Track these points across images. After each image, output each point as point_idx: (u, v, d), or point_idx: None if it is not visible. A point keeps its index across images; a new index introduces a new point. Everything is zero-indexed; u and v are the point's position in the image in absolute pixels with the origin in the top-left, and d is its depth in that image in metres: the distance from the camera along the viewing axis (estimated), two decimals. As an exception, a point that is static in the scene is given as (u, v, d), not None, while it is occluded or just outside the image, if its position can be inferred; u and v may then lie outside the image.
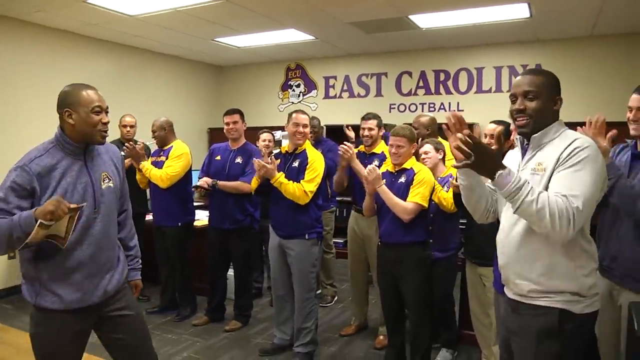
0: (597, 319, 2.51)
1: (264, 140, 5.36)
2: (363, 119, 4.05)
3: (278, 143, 6.87)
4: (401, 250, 3.19)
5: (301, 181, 3.49)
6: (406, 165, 3.29)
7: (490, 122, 3.28)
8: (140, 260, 2.53)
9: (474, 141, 1.73)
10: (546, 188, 1.77)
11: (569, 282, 1.81)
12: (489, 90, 6.46)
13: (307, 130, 3.62)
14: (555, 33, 5.80)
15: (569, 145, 1.78)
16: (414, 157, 3.39)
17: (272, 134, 5.65)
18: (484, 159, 1.73)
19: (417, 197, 3.12)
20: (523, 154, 1.96)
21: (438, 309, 3.57)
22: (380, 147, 4.02)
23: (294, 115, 3.61)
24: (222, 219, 4.19)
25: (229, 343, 4.08)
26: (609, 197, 2.32)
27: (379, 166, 3.44)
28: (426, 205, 3.17)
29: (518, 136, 2.01)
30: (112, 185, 2.25)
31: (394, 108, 7.00)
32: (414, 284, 3.20)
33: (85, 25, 5.49)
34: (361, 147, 4.11)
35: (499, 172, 1.71)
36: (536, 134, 1.89)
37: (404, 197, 3.16)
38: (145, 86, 6.82)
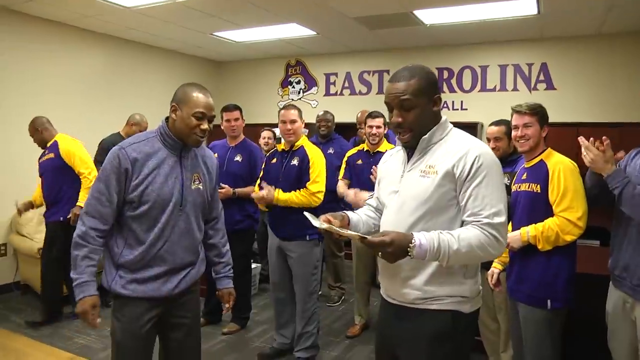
0: (610, 335, 2.47)
1: (264, 138, 5.31)
2: (369, 116, 4.01)
3: (278, 140, 6.77)
4: None
5: (307, 184, 3.41)
6: None
7: (490, 125, 3.22)
8: (232, 268, 2.55)
9: (367, 244, 1.61)
10: (435, 190, 1.72)
11: (457, 288, 1.77)
12: (494, 89, 6.38)
13: (297, 125, 3.51)
14: (562, 31, 5.72)
15: (465, 156, 1.71)
16: None
17: (273, 131, 5.58)
18: (387, 252, 1.60)
19: None
20: (409, 156, 1.86)
21: None
22: (385, 146, 3.99)
23: (281, 112, 3.55)
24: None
25: (227, 346, 3.98)
26: (619, 206, 2.30)
27: None
28: None
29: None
30: (201, 187, 2.30)
31: (396, 106, 6.90)
32: None
33: (79, 17, 5.38)
34: (364, 146, 4.09)
35: (411, 251, 1.60)
36: (424, 137, 1.78)
37: None
38: (140, 80, 6.71)
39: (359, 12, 5.14)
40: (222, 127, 4.19)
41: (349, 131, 5.93)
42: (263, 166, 3.83)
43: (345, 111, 6.78)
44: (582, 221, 2.45)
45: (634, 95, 2.54)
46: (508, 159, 3.13)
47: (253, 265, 4.82)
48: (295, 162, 3.49)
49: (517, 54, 6.21)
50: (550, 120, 2.70)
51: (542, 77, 6.08)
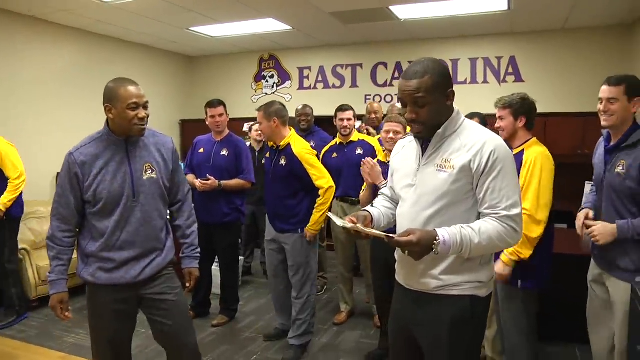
0: (589, 304, 2.72)
1: (257, 131, 5.31)
2: (340, 110, 4.31)
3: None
4: None
5: (316, 183, 3.54)
6: None
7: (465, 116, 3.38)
8: (197, 249, 2.68)
9: (393, 244, 1.70)
10: (453, 184, 1.78)
11: (475, 275, 1.86)
12: (464, 82, 6.62)
13: (261, 127, 3.65)
14: (530, 26, 6.00)
15: (481, 150, 1.76)
16: None
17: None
18: (413, 250, 1.69)
19: None
20: (424, 149, 1.90)
21: None
22: (356, 136, 4.32)
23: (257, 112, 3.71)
24: (208, 213, 4.17)
25: (218, 338, 4.09)
26: None
27: (364, 153, 3.86)
28: None
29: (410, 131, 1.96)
30: (155, 176, 2.43)
31: (370, 99, 7.07)
32: None
33: (52, 11, 5.34)
34: (337, 139, 4.38)
35: (435, 248, 1.68)
36: (439, 131, 1.84)
37: None
38: (112, 76, 6.55)
39: (335, 7, 5.27)
40: (207, 123, 4.27)
41: (323, 124, 6.04)
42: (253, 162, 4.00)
43: (320, 105, 6.88)
44: (541, 214, 2.63)
45: (597, 87, 2.80)
46: None
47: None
48: (283, 162, 3.58)
49: (487, 48, 6.47)
50: (519, 110, 2.92)
51: (510, 70, 6.37)
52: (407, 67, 1.84)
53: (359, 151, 4.18)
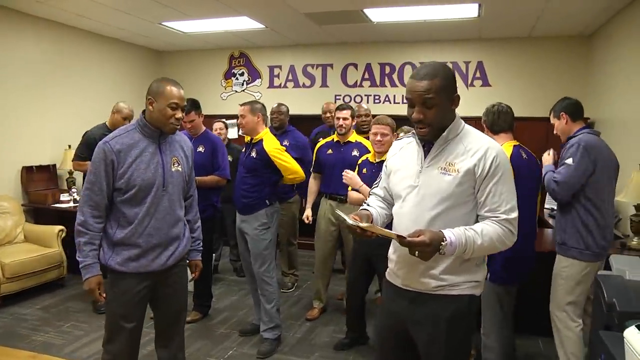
0: None
1: (216, 130, 5.46)
2: (338, 109, 4.41)
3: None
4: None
5: (288, 177, 3.85)
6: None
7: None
8: (201, 243, 2.92)
9: (405, 244, 1.77)
10: (457, 187, 1.88)
11: (472, 275, 1.97)
12: (433, 85, 6.84)
13: (244, 120, 3.83)
14: (498, 32, 6.30)
15: (484, 156, 1.87)
16: None
17: (225, 123, 5.76)
18: (425, 250, 1.75)
19: None
20: (426, 151, 1.98)
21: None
22: (354, 137, 4.40)
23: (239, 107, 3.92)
24: (182, 209, 4.24)
25: (192, 335, 4.18)
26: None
27: (360, 155, 3.97)
28: None
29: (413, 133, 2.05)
30: (180, 169, 2.66)
31: (339, 99, 7.25)
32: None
33: (30, 3, 5.29)
34: (334, 136, 4.45)
35: (442, 249, 1.77)
36: (443, 134, 1.92)
37: None
38: (84, 70, 6.64)
39: (310, 8, 5.42)
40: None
41: (293, 123, 6.14)
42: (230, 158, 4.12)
43: (290, 104, 6.99)
44: None
45: (560, 93, 3.10)
46: None
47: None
48: (254, 154, 3.81)
49: (456, 53, 6.74)
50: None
51: (478, 75, 6.66)
52: (417, 68, 1.91)
53: (355, 153, 4.28)
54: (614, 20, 5.28)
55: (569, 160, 3.06)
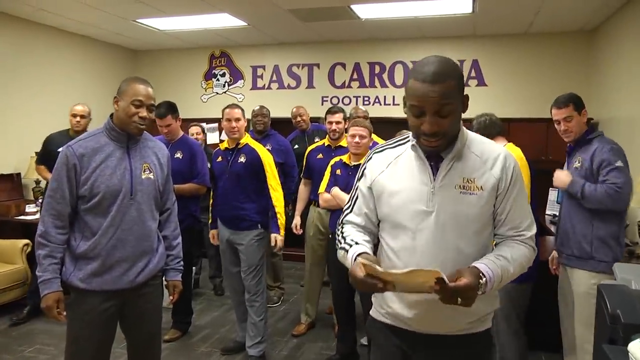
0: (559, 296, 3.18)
1: (192, 135, 5.42)
2: (329, 112, 4.37)
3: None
4: None
5: (271, 189, 3.82)
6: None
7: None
8: (182, 262, 2.76)
9: (444, 292, 1.48)
10: (483, 208, 1.69)
11: (494, 301, 1.82)
12: (425, 85, 6.87)
13: (241, 123, 3.83)
14: (494, 29, 6.31)
15: (504, 166, 1.70)
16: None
17: (201, 126, 5.74)
18: (467, 296, 1.51)
19: None
20: (434, 167, 1.72)
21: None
22: (346, 141, 4.30)
23: (226, 110, 3.86)
24: (160, 219, 4.20)
25: (171, 354, 4.08)
26: (585, 204, 2.98)
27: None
28: None
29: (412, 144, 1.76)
30: (152, 177, 2.55)
31: (327, 100, 7.24)
32: None
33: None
34: (325, 141, 4.43)
35: (482, 288, 1.55)
36: (456, 145, 1.70)
37: None
38: (52, 68, 6.54)
39: (294, 5, 5.39)
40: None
41: (279, 126, 6.16)
42: (209, 166, 4.06)
43: (274, 106, 6.98)
44: None
45: (559, 92, 3.12)
46: None
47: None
48: (242, 159, 3.79)
49: (449, 50, 6.71)
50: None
51: (473, 74, 6.67)
52: (420, 67, 1.63)
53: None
54: (618, 15, 5.27)
55: (619, 163, 2.92)
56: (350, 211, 1.92)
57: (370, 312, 1.93)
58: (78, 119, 4.83)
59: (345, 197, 3.52)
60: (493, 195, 1.69)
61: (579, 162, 3.06)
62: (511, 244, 1.72)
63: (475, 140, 1.76)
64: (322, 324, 4.64)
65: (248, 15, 5.89)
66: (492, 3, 5.17)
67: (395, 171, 1.79)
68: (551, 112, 3.16)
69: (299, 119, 5.52)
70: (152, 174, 2.54)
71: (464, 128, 1.74)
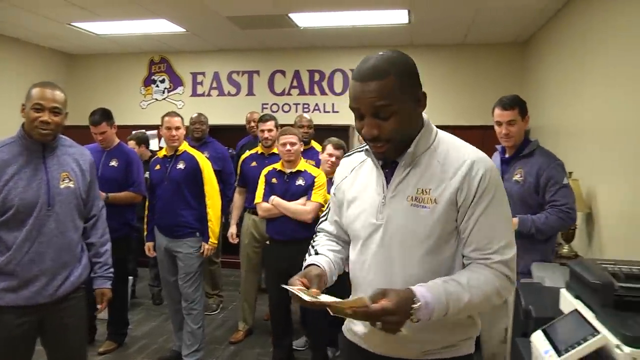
0: None
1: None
2: (260, 120, 4.50)
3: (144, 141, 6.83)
4: (296, 246, 3.41)
5: (207, 197, 3.90)
6: (300, 167, 3.81)
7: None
8: (111, 268, 2.72)
9: (363, 315, 1.34)
10: (437, 224, 1.48)
11: (469, 329, 1.62)
12: (365, 93, 7.04)
13: (181, 131, 3.93)
14: (431, 39, 6.56)
15: (468, 175, 1.47)
16: (302, 157, 3.93)
17: (136, 140, 5.66)
18: (390, 321, 1.33)
19: (319, 197, 3.68)
20: (388, 174, 1.56)
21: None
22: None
23: (165, 118, 3.94)
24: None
25: (106, 366, 4.09)
26: (539, 237, 2.96)
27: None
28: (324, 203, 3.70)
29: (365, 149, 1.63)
30: (72, 186, 2.49)
31: (267, 108, 7.32)
32: None
33: None
34: (258, 149, 4.53)
35: (414, 314, 1.35)
36: (409, 150, 1.51)
37: (302, 197, 3.73)
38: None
39: (232, 12, 5.46)
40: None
41: (219, 133, 6.20)
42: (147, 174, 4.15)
43: (214, 113, 7.02)
44: None
45: (494, 101, 3.30)
46: None
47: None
48: (182, 166, 3.88)
49: (388, 59, 6.93)
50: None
51: (411, 82, 6.88)
52: (361, 62, 1.52)
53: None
54: (546, 27, 5.58)
55: (565, 180, 2.97)
56: (325, 219, 1.83)
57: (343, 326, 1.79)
58: None
59: (287, 205, 3.66)
60: (452, 210, 1.48)
61: (520, 176, 3.02)
62: (473, 267, 1.49)
63: (446, 143, 1.56)
64: (260, 331, 4.73)
65: (186, 21, 5.92)
66: (427, 14, 5.38)
67: (356, 177, 1.67)
68: (493, 113, 3.12)
69: (252, 124, 5.55)
70: (72, 182, 2.49)
71: (437, 131, 1.59)
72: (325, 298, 1.41)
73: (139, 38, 6.75)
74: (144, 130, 6.11)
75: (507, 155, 3.16)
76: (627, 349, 1.36)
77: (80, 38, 6.75)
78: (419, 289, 1.39)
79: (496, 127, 3.10)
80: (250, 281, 4.59)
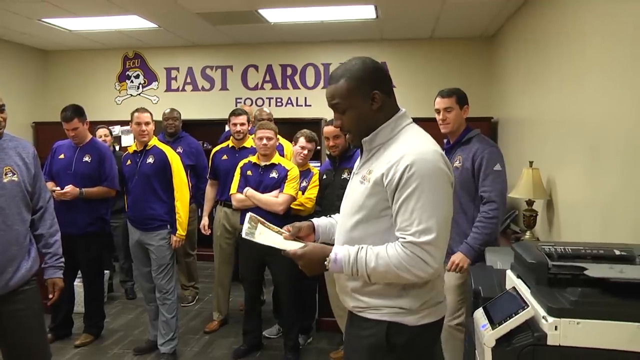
0: None
1: (100, 137, 5.39)
2: (233, 114, 4.59)
3: (117, 139, 6.88)
4: None
5: (175, 190, 3.98)
6: (274, 161, 3.92)
7: (327, 124, 3.75)
8: (62, 258, 2.73)
9: (287, 255, 1.81)
10: (367, 199, 1.77)
11: (394, 300, 1.79)
12: (337, 86, 7.15)
13: (150, 127, 4.00)
14: (399, 34, 6.68)
15: (396, 164, 1.70)
16: (277, 151, 4.02)
17: (109, 129, 5.71)
18: (301, 266, 1.79)
19: (291, 190, 3.80)
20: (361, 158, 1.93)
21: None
22: (250, 142, 4.57)
23: (135, 114, 4.00)
24: (68, 223, 4.15)
25: (82, 359, 4.14)
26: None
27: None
28: (296, 195, 3.83)
29: None
30: (16, 179, 2.49)
31: (240, 102, 7.38)
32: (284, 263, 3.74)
33: None
34: (229, 142, 4.63)
35: (327, 264, 1.75)
36: (365, 139, 1.84)
37: (275, 189, 3.83)
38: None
39: (202, 8, 5.50)
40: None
41: (192, 128, 6.25)
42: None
43: (188, 109, 7.06)
44: None
45: (466, 94, 3.43)
46: (346, 154, 3.78)
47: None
48: (151, 160, 3.96)
49: (359, 53, 6.75)
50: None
51: (382, 76, 7.00)
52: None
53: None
54: (511, 22, 5.71)
55: (497, 167, 3.08)
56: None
57: None
58: None
59: (260, 196, 3.77)
60: (380, 191, 1.73)
61: (459, 162, 3.18)
62: (391, 244, 1.70)
63: (406, 137, 1.80)
64: (235, 320, 4.81)
65: (158, 17, 5.96)
66: (394, 10, 5.49)
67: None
68: (434, 103, 3.32)
69: (170, 122, 5.45)
70: (15, 176, 2.49)
71: (403, 126, 1.83)
72: (271, 239, 1.99)
73: (113, 34, 6.76)
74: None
75: (450, 144, 3.34)
76: (550, 319, 1.50)
77: (53, 34, 6.74)
78: (336, 247, 1.78)
79: (436, 116, 3.30)
80: (223, 272, 4.66)
